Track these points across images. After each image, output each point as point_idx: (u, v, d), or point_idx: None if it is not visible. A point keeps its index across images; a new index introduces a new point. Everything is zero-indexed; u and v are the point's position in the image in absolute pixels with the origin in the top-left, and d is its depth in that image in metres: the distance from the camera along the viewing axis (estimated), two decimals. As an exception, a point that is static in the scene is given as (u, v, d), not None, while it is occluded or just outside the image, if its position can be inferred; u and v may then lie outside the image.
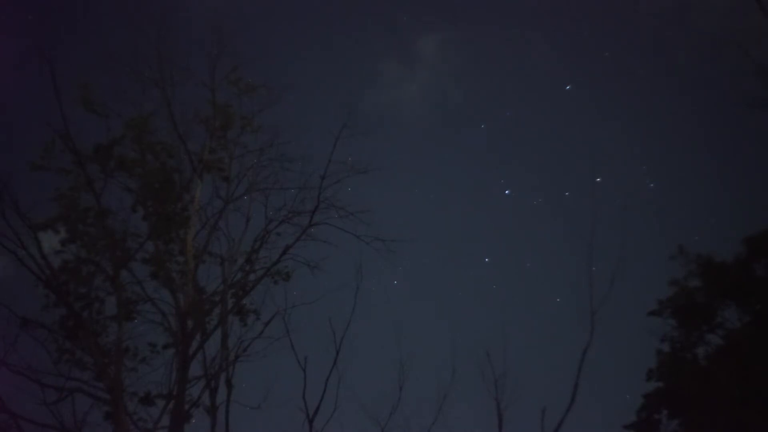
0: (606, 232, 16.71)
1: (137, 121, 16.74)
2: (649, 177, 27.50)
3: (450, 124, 31.82)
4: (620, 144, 28.79)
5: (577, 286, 15.62)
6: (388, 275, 22.29)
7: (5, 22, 18.10)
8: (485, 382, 15.42)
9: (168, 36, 16.91)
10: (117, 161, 16.54)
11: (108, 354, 15.49)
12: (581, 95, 28.64)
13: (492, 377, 15.42)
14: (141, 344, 16.41)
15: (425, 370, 17.44)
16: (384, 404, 15.53)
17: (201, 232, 17.16)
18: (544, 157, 30.11)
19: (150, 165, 16.99)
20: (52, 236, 15.87)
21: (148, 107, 16.98)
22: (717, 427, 18.86)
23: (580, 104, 28.86)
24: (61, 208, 16.24)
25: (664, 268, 21.64)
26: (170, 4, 18.46)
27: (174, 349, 15.93)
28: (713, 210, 27.30)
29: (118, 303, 15.93)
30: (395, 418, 15.50)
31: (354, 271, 16.21)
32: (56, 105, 15.17)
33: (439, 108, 31.29)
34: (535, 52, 30.35)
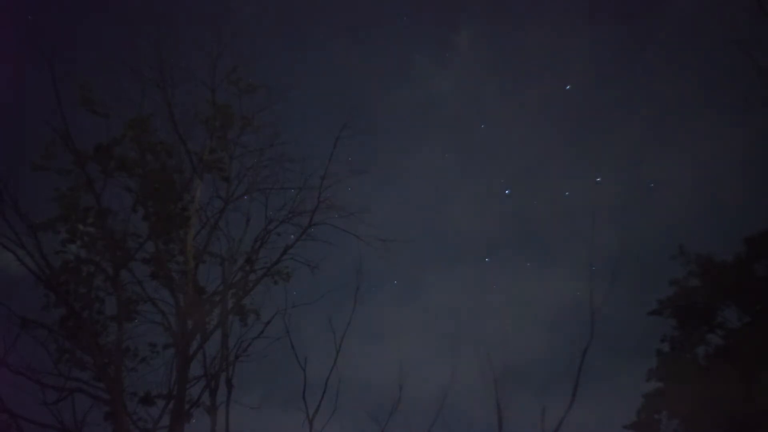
0: (606, 232, 16.72)
1: (137, 121, 16.71)
2: (649, 177, 27.43)
3: (450, 124, 31.76)
4: (620, 144, 28.78)
5: (576, 286, 15.68)
6: (389, 275, 22.31)
7: (5, 22, 18.07)
8: (485, 382, 15.48)
9: (168, 36, 16.93)
10: (117, 161, 16.51)
11: (108, 354, 15.50)
12: (581, 95, 28.58)
13: (492, 377, 15.49)
14: (141, 344, 16.49)
15: (425, 369, 17.48)
16: (384, 404, 15.58)
17: (201, 232, 17.22)
18: (544, 157, 30.03)
19: (150, 165, 16.96)
20: (52, 236, 15.89)
21: (148, 107, 16.99)
22: (717, 427, 18.85)
23: (580, 104, 28.80)
24: (61, 208, 16.22)
25: (664, 268, 21.65)
26: (170, 4, 18.41)
27: (174, 349, 15.95)
28: (713, 210, 27.19)
29: (118, 303, 15.96)
30: (395, 418, 15.55)
31: (354, 271, 16.29)
32: (56, 105, 15.21)
33: (438, 109, 31.24)
34: (535, 53, 30.31)
